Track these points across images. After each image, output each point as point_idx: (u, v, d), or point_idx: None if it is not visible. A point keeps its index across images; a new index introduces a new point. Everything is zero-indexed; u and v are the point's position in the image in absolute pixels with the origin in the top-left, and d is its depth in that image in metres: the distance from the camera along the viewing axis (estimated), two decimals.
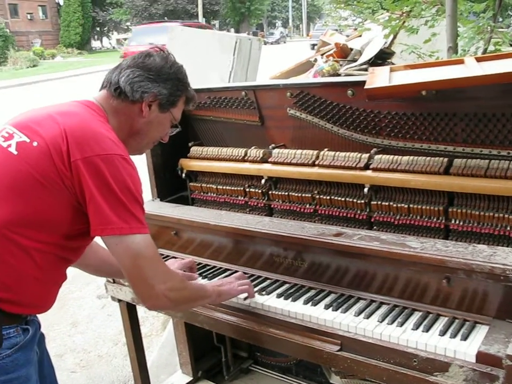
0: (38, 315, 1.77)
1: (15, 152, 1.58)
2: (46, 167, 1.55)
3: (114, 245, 1.60)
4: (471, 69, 1.84)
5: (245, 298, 2.01)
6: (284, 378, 3.00)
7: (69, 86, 18.78)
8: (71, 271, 1.90)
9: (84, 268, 2.08)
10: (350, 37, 7.99)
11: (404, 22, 4.66)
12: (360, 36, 7.28)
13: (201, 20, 28.66)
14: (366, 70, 6.15)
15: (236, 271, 2.24)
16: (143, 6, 38.08)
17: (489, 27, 4.06)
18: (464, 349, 1.57)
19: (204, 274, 2.28)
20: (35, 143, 1.58)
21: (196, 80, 2.10)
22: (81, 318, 4.25)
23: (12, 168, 1.57)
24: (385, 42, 6.44)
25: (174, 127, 1.96)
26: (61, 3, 40.24)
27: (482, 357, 1.53)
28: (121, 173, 1.58)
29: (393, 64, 4.88)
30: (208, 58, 4.46)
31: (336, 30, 10.61)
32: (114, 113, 1.76)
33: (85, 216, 1.60)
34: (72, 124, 1.60)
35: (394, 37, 6.15)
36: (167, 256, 2.48)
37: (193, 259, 2.26)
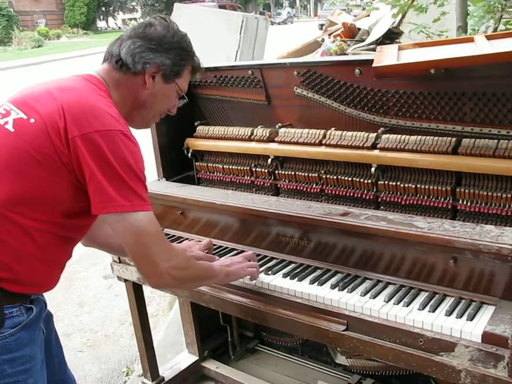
0: (44, 294, 1.76)
1: (12, 130, 1.55)
2: (43, 144, 1.52)
3: (116, 222, 1.57)
4: (481, 47, 1.81)
5: (251, 279, 2.01)
6: (290, 358, 3.01)
7: (74, 66, 18.71)
8: (78, 251, 1.90)
9: (105, 247, 2.08)
10: (358, 17, 7.92)
11: (413, 0, 4.60)
12: (368, 15, 7.21)
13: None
14: (373, 50, 6.10)
15: (242, 251, 2.24)
16: None
17: (500, 5, 4.00)
18: (470, 329, 1.57)
19: (212, 253, 2.27)
20: (32, 120, 1.54)
21: (202, 59, 2.08)
22: (88, 298, 4.27)
23: (9, 145, 1.54)
24: (394, 22, 6.38)
25: (181, 99, 1.91)
26: None
27: (488, 337, 1.53)
28: (122, 149, 1.53)
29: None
30: (214, 37, 4.42)
31: (344, 9, 10.52)
32: (116, 86, 1.72)
33: (86, 194, 1.56)
34: (70, 99, 1.56)
35: (403, 16, 6.09)
36: (173, 236, 2.48)
37: (210, 240, 2.25)
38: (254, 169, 2.46)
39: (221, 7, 22.95)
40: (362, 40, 6.81)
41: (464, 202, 1.93)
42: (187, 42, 1.79)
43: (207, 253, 2.20)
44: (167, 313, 3.91)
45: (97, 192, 1.54)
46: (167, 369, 2.98)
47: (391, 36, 6.41)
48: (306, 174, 2.28)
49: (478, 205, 1.90)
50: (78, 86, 1.64)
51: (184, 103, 1.97)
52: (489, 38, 1.93)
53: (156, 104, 1.79)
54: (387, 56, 1.90)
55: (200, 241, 2.24)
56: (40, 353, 1.69)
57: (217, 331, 3.18)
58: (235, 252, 2.27)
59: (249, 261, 2.03)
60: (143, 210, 1.58)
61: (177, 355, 3.16)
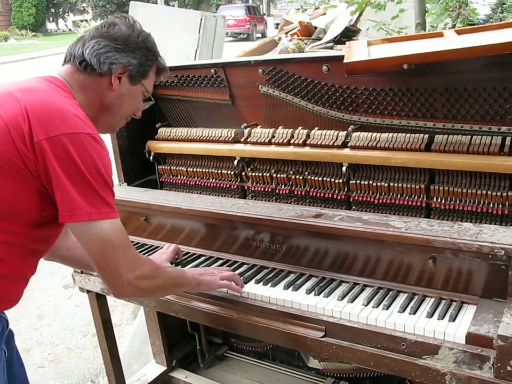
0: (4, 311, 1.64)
1: None
2: (7, 150, 1.41)
3: (81, 232, 1.48)
4: (452, 41, 1.77)
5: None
6: (261, 363, 2.95)
7: (24, 69, 18.20)
8: None
9: (67, 261, 1.98)
10: (314, 15, 7.93)
11: None
12: (324, 14, 7.22)
13: (160, 1, 28.10)
14: (331, 48, 6.11)
15: (210, 257, 2.17)
16: None
17: (457, 3, 4.02)
18: (453, 330, 1.53)
19: (177, 261, 2.18)
20: None
21: None
22: (47, 310, 4.10)
23: None
24: (351, 20, 6.39)
25: (146, 101, 1.84)
26: None
27: (472, 338, 1.49)
28: (90, 154, 1.45)
29: None
30: (172, 36, 4.31)
31: (299, 9, 10.52)
32: (81, 88, 1.62)
33: (53, 201, 1.47)
34: (34, 101, 1.45)
35: (360, 14, 6.10)
36: (137, 243, 2.38)
37: (177, 245, 2.16)
38: (219, 171, 2.37)
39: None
40: (320, 39, 6.81)
41: (439, 200, 1.89)
42: (152, 42, 1.71)
43: (176, 258, 2.12)
44: (131, 322, 3.79)
45: (64, 200, 1.44)
46: (134, 382, 2.89)
47: (348, 34, 6.42)
48: (274, 175, 2.20)
49: (452, 202, 1.86)
50: (42, 87, 1.54)
51: (148, 104, 1.86)
52: (459, 32, 1.90)
53: (123, 106, 1.70)
54: (358, 52, 1.85)
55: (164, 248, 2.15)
56: (3, 376, 1.58)
57: (185, 339, 3.09)
58: (203, 258, 2.18)
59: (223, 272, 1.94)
60: (109, 218, 1.49)
61: (144, 366, 3.06)
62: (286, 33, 7.32)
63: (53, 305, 4.17)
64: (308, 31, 7.12)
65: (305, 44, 6.59)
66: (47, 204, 1.49)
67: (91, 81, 1.63)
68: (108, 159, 1.53)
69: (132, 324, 3.73)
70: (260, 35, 29.50)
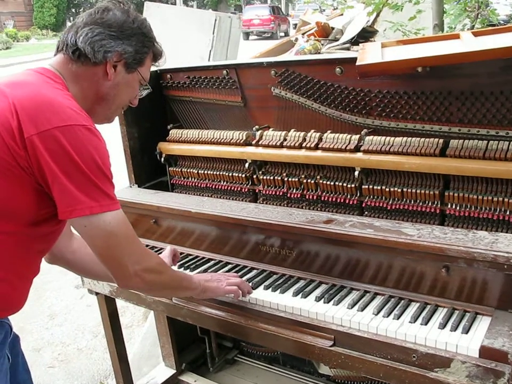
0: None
1: None
2: None
3: (83, 227, 1.44)
4: (469, 43, 1.72)
5: (235, 297, 1.89)
6: (271, 368, 2.90)
7: None
8: None
9: (71, 266, 1.91)
10: (331, 16, 7.87)
11: None
12: (342, 14, 7.15)
13: (179, 1, 28.18)
14: (348, 49, 6.04)
15: (220, 261, 2.13)
16: None
17: (476, 3, 3.95)
18: (466, 343, 1.47)
19: (186, 264, 2.15)
20: None
21: (175, 59, 1.95)
22: (59, 310, 4.10)
23: None
24: (368, 21, 6.32)
25: (144, 89, 1.77)
26: None
27: (486, 352, 1.43)
28: (86, 146, 1.39)
29: None
30: (187, 37, 4.28)
31: (317, 9, 10.46)
32: (74, 79, 1.56)
33: (50, 198, 1.43)
34: (22, 95, 1.40)
35: (378, 15, 6.04)
36: (147, 246, 2.34)
37: (173, 246, 2.12)
38: (230, 174, 2.33)
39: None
40: (336, 40, 6.74)
41: (453, 207, 1.84)
42: (148, 28, 1.65)
43: (172, 260, 2.07)
44: (142, 323, 3.76)
45: (62, 196, 1.40)
46: None
47: (365, 35, 6.35)
48: (285, 179, 2.16)
49: (467, 209, 1.81)
50: (32, 80, 1.48)
51: (145, 92, 1.81)
52: (476, 34, 1.84)
53: (119, 96, 1.64)
54: (371, 54, 1.80)
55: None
56: (6, 382, 1.54)
57: (194, 342, 3.06)
58: (212, 262, 2.15)
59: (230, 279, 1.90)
60: (111, 210, 1.45)
61: (153, 368, 3.03)
62: (303, 34, 7.27)
63: (65, 305, 4.17)
64: (325, 32, 7.05)
65: (322, 44, 6.53)
66: (44, 201, 1.45)
67: (85, 71, 1.56)
68: (105, 150, 1.48)
69: (143, 325, 3.70)
70: (283, 34, 29.97)
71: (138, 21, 1.61)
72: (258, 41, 24.11)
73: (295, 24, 20.31)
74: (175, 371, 2.93)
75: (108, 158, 1.48)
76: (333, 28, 7.12)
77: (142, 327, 3.70)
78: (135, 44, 1.59)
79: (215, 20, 4.36)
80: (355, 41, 6.27)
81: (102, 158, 1.44)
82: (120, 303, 2.60)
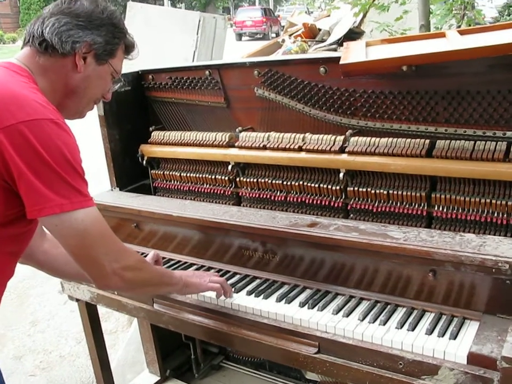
0: None
1: None
2: None
3: (54, 226, 1.37)
4: (455, 42, 1.68)
5: (217, 296, 1.84)
6: (258, 374, 2.85)
7: None
8: None
9: (42, 267, 1.84)
10: (318, 17, 7.87)
11: None
12: (329, 15, 7.15)
13: (166, 2, 28.11)
14: (335, 50, 6.02)
15: (202, 266, 2.08)
16: None
17: (462, 4, 3.93)
18: (454, 349, 1.43)
19: (169, 269, 2.09)
20: None
21: (158, 60, 1.89)
22: (42, 316, 4.02)
23: None
24: (355, 22, 6.31)
25: (116, 82, 1.70)
26: None
27: (474, 358, 1.39)
28: (54, 140, 1.33)
29: None
30: (171, 37, 4.23)
31: (305, 11, 10.46)
32: (42, 72, 1.49)
33: (19, 196, 1.36)
34: None
35: (364, 16, 6.03)
36: None
37: (156, 251, 2.07)
38: (213, 176, 2.28)
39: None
40: (323, 41, 6.74)
41: (440, 209, 1.79)
42: (118, 19, 1.59)
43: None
44: (126, 329, 3.69)
45: (30, 193, 1.33)
46: None
47: (352, 36, 6.34)
48: (269, 181, 2.11)
49: (454, 211, 1.77)
50: None
51: (118, 86, 1.74)
52: (462, 32, 1.81)
53: (90, 89, 1.57)
54: (355, 53, 1.76)
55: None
56: None
57: (179, 348, 2.99)
58: (195, 266, 2.10)
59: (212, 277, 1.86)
60: (83, 207, 1.38)
61: (137, 375, 2.96)
62: (290, 35, 7.26)
63: (48, 310, 4.08)
64: (311, 33, 7.05)
65: (309, 45, 6.53)
66: (12, 201, 1.37)
67: (53, 63, 1.50)
68: (75, 145, 1.41)
69: (127, 331, 3.64)
70: (274, 35, 30.53)
71: (108, 11, 1.55)
72: (251, 42, 24.65)
73: (283, 26, 20.49)
74: (159, 378, 2.87)
75: (78, 153, 1.41)
76: (320, 29, 7.12)
77: (126, 333, 3.63)
78: (104, 34, 1.52)
79: (199, 21, 4.31)
80: (342, 42, 6.25)
81: (71, 152, 1.37)
82: (104, 309, 2.54)
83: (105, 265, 1.45)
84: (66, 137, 1.37)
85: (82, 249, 1.42)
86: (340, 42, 6.15)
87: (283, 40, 6.80)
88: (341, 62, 1.69)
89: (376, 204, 1.90)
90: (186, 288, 1.77)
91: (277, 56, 5.57)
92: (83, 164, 1.43)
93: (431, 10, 4.11)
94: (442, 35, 1.86)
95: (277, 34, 30.78)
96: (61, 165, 1.34)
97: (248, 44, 20.91)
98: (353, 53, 1.78)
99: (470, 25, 4.09)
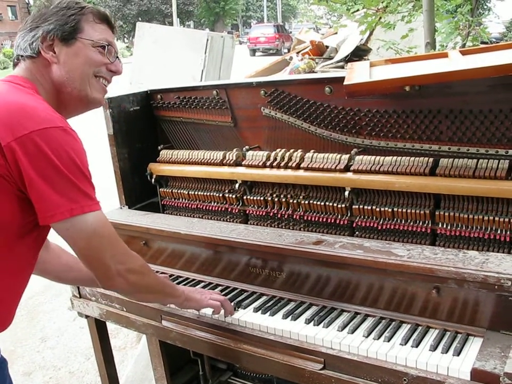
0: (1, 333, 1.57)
1: None
2: None
3: (66, 230, 1.42)
4: (456, 62, 1.72)
5: (214, 313, 1.88)
6: None
7: None
8: (41, 282, 1.72)
9: (43, 274, 1.88)
10: (326, 34, 7.92)
11: (380, 17, 4.56)
12: (336, 33, 7.20)
13: (175, 20, 28.39)
14: (342, 67, 6.07)
15: (210, 283, 2.11)
16: (116, 6, 37.57)
17: (467, 22, 3.97)
18: (457, 365, 1.45)
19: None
20: None
21: (167, 79, 1.94)
22: (51, 332, 4.05)
23: None
24: (361, 39, 6.36)
25: (109, 51, 1.66)
26: (31, 3, 39.52)
27: (477, 374, 1.41)
28: (64, 147, 1.39)
29: None
30: (179, 57, 4.29)
31: (312, 28, 10.54)
32: (33, 79, 1.57)
33: (32, 205, 1.41)
34: None
35: (371, 34, 6.07)
36: None
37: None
38: (221, 194, 2.31)
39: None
40: (331, 58, 6.78)
41: (444, 226, 1.82)
42: (68, 3, 1.61)
43: None
44: (135, 345, 3.72)
45: (41, 200, 1.38)
46: None
47: (359, 53, 6.39)
48: (276, 199, 2.15)
49: (458, 229, 1.79)
50: (0, 90, 1.49)
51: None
52: (463, 53, 1.84)
53: (73, 71, 1.59)
54: (358, 74, 1.79)
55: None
56: None
57: (187, 364, 3.01)
58: (202, 284, 2.12)
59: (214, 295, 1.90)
60: (92, 211, 1.44)
61: None
62: (298, 52, 7.31)
63: (57, 327, 4.12)
64: (319, 50, 7.09)
65: (316, 63, 6.57)
66: (27, 209, 1.42)
67: (34, 67, 1.58)
68: (83, 149, 1.47)
69: (136, 347, 3.66)
70: (286, 50, 30.94)
71: (55, 3, 1.61)
72: (264, 57, 25.23)
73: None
74: None
75: (85, 157, 1.48)
76: (327, 47, 7.17)
77: (135, 349, 3.65)
78: (55, 20, 1.57)
79: (207, 40, 4.37)
80: (349, 59, 6.30)
81: (79, 157, 1.43)
82: (114, 325, 2.57)
83: (110, 266, 1.50)
84: (74, 143, 1.43)
85: (90, 250, 1.47)
86: (347, 60, 6.19)
87: (291, 58, 6.85)
88: (345, 83, 1.72)
89: (381, 222, 1.92)
90: (187, 302, 1.81)
91: (284, 75, 5.62)
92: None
93: (436, 28, 4.15)
94: (445, 55, 1.90)
95: (289, 50, 31.27)
96: (71, 170, 1.39)
97: (261, 59, 21.52)
98: (357, 73, 1.81)
99: (475, 43, 4.13)
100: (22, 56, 1.58)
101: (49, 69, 1.57)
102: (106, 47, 1.63)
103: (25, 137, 1.35)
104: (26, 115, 1.38)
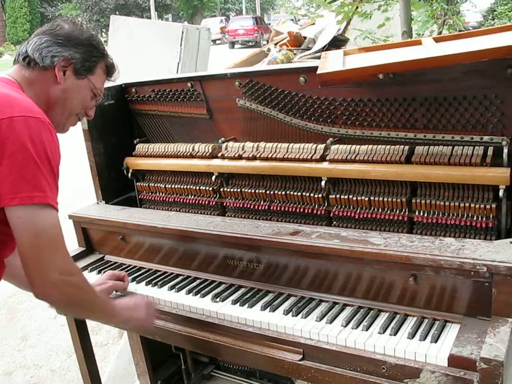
0: None
1: None
2: None
3: (17, 218, 1.40)
4: (430, 49, 1.71)
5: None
6: (248, 382, 2.85)
7: None
8: None
9: (12, 279, 1.85)
10: (303, 25, 7.91)
11: (357, 7, 4.55)
12: (314, 23, 7.19)
13: (153, 14, 28.20)
14: (320, 58, 6.06)
15: (188, 277, 2.09)
16: (93, 0, 37.16)
17: (443, 10, 3.98)
18: (435, 352, 1.45)
19: (154, 281, 2.10)
20: None
21: (143, 72, 1.92)
22: (32, 330, 3.99)
23: None
24: (339, 29, 6.36)
25: (97, 100, 1.79)
26: None
27: (454, 360, 1.42)
28: (39, 137, 1.42)
29: None
30: (154, 49, 4.24)
31: (292, 19, 10.51)
32: (29, 84, 1.62)
33: None
34: None
35: (348, 23, 6.07)
36: (115, 263, 2.30)
37: (112, 271, 2.13)
38: (197, 187, 2.29)
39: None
40: (309, 49, 6.77)
41: (421, 214, 1.82)
42: (96, 41, 1.72)
43: (123, 280, 2.08)
44: (117, 341, 3.68)
45: (5, 181, 1.39)
46: None
47: (337, 43, 6.39)
48: (253, 191, 2.13)
49: (435, 216, 1.79)
50: None
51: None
52: (437, 40, 1.84)
53: (70, 101, 1.67)
54: (332, 62, 1.79)
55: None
56: None
57: (169, 359, 2.99)
58: (181, 277, 2.11)
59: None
60: (51, 206, 1.44)
61: None
62: (276, 43, 7.29)
63: (38, 325, 4.06)
64: (297, 41, 7.08)
65: (294, 54, 6.56)
66: None
67: (37, 76, 1.62)
68: (57, 147, 1.50)
69: (118, 343, 3.63)
70: (265, 42, 30.87)
71: (86, 33, 1.68)
72: (243, 50, 25.19)
73: None
74: None
75: (58, 156, 1.50)
76: (305, 37, 7.16)
77: (117, 345, 3.62)
78: (82, 52, 1.65)
79: (182, 32, 4.33)
80: (327, 49, 6.29)
81: (52, 153, 1.45)
82: (94, 322, 2.54)
83: (48, 272, 1.45)
84: (50, 137, 1.46)
85: (32, 247, 1.43)
86: (324, 50, 6.19)
87: (268, 49, 6.83)
88: (318, 72, 1.71)
89: (358, 211, 1.92)
90: (129, 321, 1.83)
91: (259, 66, 5.60)
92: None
93: (412, 17, 4.15)
94: (418, 43, 1.90)
95: (268, 42, 31.30)
96: (42, 160, 1.41)
97: (240, 51, 21.51)
98: (330, 62, 1.80)
99: (451, 31, 4.14)
100: (25, 58, 1.61)
101: (52, 85, 1.63)
102: (98, 96, 1.75)
103: (3, 121, 1.38)
104: (8, 104, 1.43)
